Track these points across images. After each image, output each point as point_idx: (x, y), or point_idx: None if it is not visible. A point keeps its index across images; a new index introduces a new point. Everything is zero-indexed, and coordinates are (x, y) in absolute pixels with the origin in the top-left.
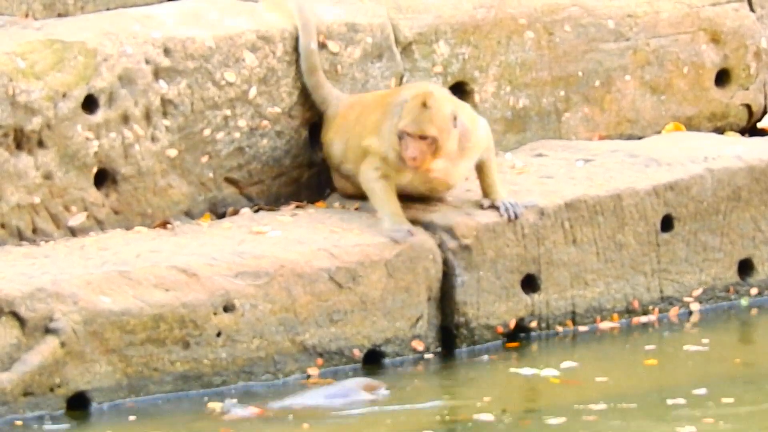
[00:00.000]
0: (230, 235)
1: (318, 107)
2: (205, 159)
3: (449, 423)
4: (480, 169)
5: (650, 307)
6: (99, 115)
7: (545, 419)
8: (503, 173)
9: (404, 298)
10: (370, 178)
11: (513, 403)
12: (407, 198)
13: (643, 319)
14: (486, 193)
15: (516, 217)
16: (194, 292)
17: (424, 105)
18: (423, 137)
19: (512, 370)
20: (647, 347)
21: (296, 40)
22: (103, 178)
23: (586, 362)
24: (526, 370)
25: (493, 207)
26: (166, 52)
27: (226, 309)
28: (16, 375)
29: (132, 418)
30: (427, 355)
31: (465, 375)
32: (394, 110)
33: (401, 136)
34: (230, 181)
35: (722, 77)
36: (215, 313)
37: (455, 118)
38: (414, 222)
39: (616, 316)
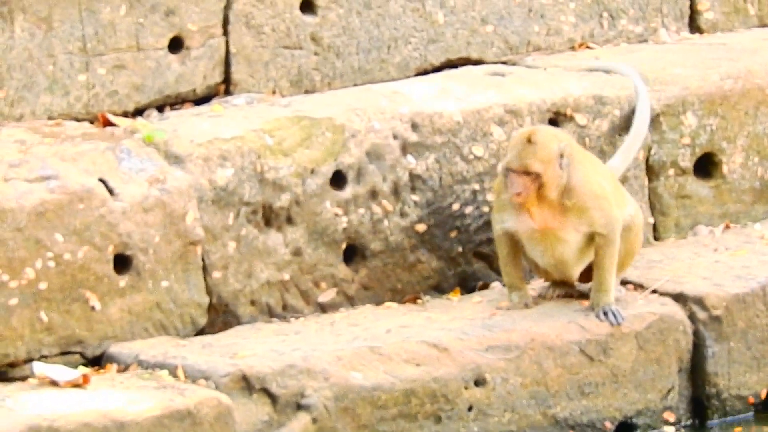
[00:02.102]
0: (480, 309)
1: None
2: (454, 233)
3: None
4: (594, 257)
5: None
6: (347, 191)
7: None
8: (752, 243)
9: (655, 369)
10: (494, 231)
11: None
12: None
13: None
14: (593, 290)
15: (617, 323)
16: (445, 367)
17: (529, 140)
18: (527, 173)
19: None
20: None
21: (543, 113)
22: (353, 254)
23: None
24: None
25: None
26: (414, 127)
27: (477, 383)
28: None
29: None
30: (679, 428)
31: None
32: None
33: (506, 174)
34: (479, 255)
35: None
36: (466, 388)
37: (562, 157)
38: (663, 293)
39: None
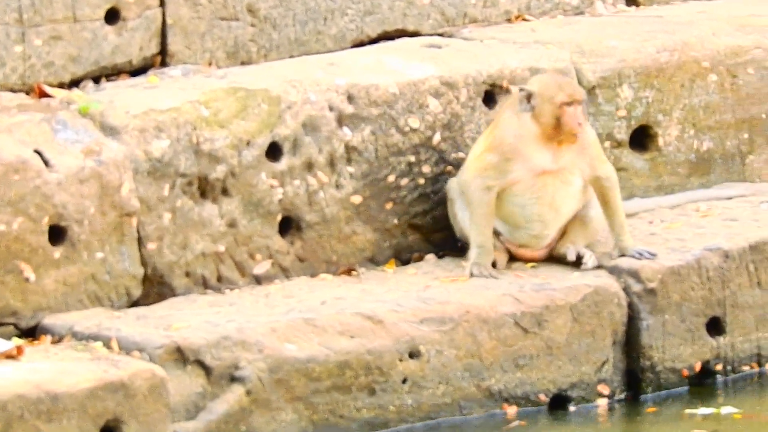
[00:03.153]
0: (415, 281)
1: None
2: (389, 205)
3: None
4: (605, 206)
5: None
6: (283, 163)
7: None
8: (687, 216)
9: (589, 342)
10: (477, 186)
11: None
12: None
13: None
14: (613, 232)
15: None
16: (380, 339)
17: (563, 73)
18: (580, 102)
19: (688, 411)
20: None
21: (479, 85)
22: (288, 226)
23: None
24: (703, 410)
25: (622, 256)
26: (350, 98)
27: (411, 355)
28: (201, 424)
29: None
30: (613, 400)
31: (652, 419)
32: (514, 106)
33: (560, 111)
34: (415, 227)
35: None
36: (401, 360)
37: None
38: (599, 266)
39: None
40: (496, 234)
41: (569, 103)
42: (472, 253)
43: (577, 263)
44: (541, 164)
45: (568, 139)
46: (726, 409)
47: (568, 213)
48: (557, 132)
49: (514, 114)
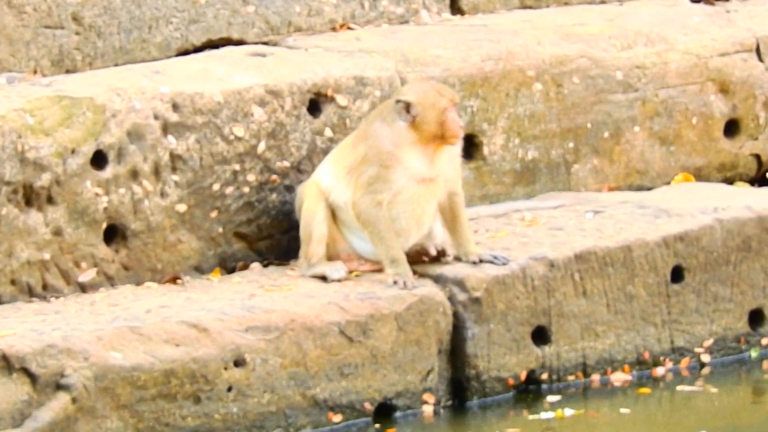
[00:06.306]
0: (240, 289)
1: None
2: (214, 214)
3: None
4: (455, 216)
5: (661, 358)
6: (108, 171)
7: None
8: (512, 225)
9: (415, 351)
10: (367, 204)
11: None
12: None
13: (654, 369)
14: (460, 244)
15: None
16: (205, 347)
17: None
18: (457, 104)
19: (524, 416)
20: (657, 396)
21: (304, 93)
22: (113, 234)
23: (593, 407)
24: (538, 415)
25: (481, 262)
26: (175, 107)
27: (236, 364)
28: (27, 431)
29: None
30: (439, 409)
31: (478, 427)
32: (385, 116)
33: (444, 116)
34: (240, 235)
35: (731, 127)
36: (226, 368)
37: None
38: (423, 275)
39: (627, 367)
40: (343, 239)
41: (451, 107)
42: (389, 268)
43: (437, 258)
44: (420, 171)
45: (449, 141)
46: (568, 411)
47: (425, 231)
48: (439, 136)
49: (386, 124)
